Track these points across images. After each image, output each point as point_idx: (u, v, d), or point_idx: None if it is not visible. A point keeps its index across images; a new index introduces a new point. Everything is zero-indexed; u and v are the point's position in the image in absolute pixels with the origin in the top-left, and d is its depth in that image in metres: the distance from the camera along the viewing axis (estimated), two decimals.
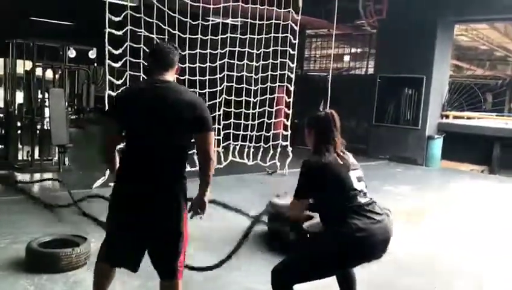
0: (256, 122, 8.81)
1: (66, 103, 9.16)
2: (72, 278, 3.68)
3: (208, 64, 8.10)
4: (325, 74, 12.40)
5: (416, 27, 10.93)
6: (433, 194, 8.26)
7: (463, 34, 14.72)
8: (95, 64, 10.06)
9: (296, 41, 8.92)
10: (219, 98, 8.35)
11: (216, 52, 8.13)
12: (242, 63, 8.62)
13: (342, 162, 2.76)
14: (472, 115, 12.65)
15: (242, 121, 8.66)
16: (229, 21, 8.20)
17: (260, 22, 8.49)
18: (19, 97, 9.08)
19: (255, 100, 8.77)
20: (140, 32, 7.06)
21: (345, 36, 14.56)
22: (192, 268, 3.83)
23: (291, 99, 9.15)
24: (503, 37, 15.30)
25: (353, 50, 16.05)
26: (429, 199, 7.76)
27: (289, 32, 8.79)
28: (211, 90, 8.24)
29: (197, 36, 7.80)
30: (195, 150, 2.75)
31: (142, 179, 2.68)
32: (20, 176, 7.52)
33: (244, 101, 8.68)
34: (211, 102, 8.28)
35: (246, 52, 8.55)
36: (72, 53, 8.87)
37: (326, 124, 2.84)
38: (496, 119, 13.12)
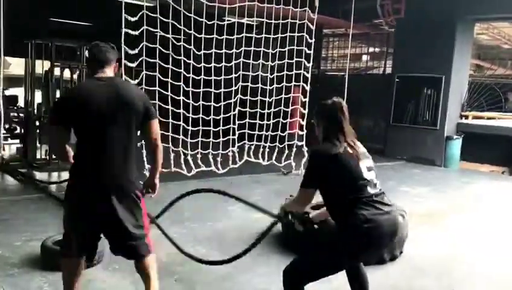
0: (271, 122, 8.77)
1: None
2: (86, 277, 3.69)
3: (223, 64, 8.10)
4: (342, 73, 12.31)
5: (435, 26, 10.77)
6: (451, 195, 8.12)
7: (484, 33, 14.46)
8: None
9: (312, 40, 8.86)
10: (234, 98, 8.33)
11: (231, 51, 8.12)
12: (257, 62, 8.60)
13: (351, 152, 2.71)
14: (492, 115, 12.40)
15: (257, 121, 8.63)
16: (245, 21, 8.19)
17: (276, 22, 8.45)
18: (38, 97, 9.21)
19: (270, 100, 8.74)
20: (156, 32, 7.09)
21: (362, 35, 14.43)
22: (200, 261, 3.82)
23: (307, 99, 9.09)
24: None
25: (371, 49, 15.91)
26: (447, 200, 7.63)
27: (305, 31, 8.74)
28: (226, 90, 8.25)
29: (212, 36, 7.80)
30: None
31: (99, 173, 2.82)
32: (39, 175, 7.63)
33: (259, 100, 8.65)
34: (226, 102, 8.28)
35: (262, 51, 8.52)
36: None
37: (334, 113, 2.81)
38: None
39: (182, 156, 7.55)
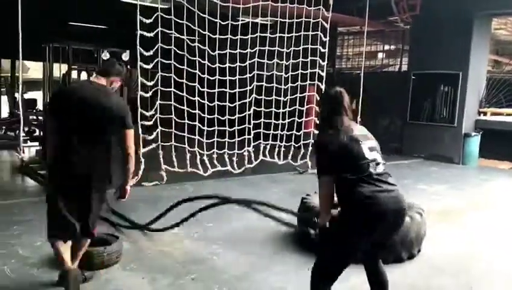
0: (286, 121, 8.76)
1: None
2: (104, 276, 3.75)
3: (237, 64, 8.12)
4: (358, 72, 12.23)
5: (451, 22, 10.64)
6: (469, 193, 8.02)
7: (502, 28, 14.21)
8: (128, 66, 10.24)
9: (327, 39, 8.83)
10: (249, 98, 8.34)
11: (246, 51, 8.14)
12: (272, 62, 8.60)
13: (351, 135, 2.84)
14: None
15: (272, 121, 8.63)
16: (259, 20, 8.20)
17: (290, 21, 8.44)
18: None
19: (285, 99, 8.74)
20: (171, 33, 7.15)
21: (377, 33, 14.32)
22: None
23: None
24: None
25: (386, 47, 15.77)
26: (465, 198, 7.54)
27: (319, 30, 8.71)
28: (241, 90, 8.27)
29: (226, 36, 7.83)
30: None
31: (72, 167, 3.28)
32: None
33: (274, 100, 8.65)
34: (241, 102, 8.30)
35: (276, 51, 8.52)
36: (105, 56, 9.04)
37: (336, 100, 2.95)
38: None
39: (198, 156, 7.60)
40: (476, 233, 5.58)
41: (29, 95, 16.64)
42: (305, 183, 7.91)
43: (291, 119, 8.83)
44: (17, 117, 7.90)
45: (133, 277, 3.80)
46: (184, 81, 7.55)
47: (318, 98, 9.00)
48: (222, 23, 7.69)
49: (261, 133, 8.54)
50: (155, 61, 7.09)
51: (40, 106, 12.86)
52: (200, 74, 7.69)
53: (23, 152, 8.28)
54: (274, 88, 8.65)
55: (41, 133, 8.82)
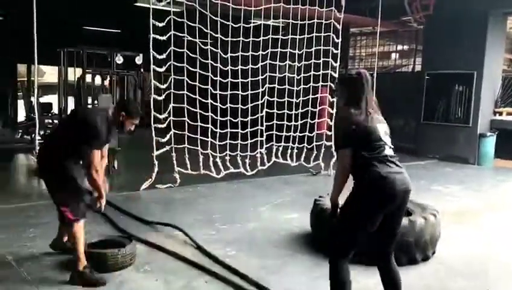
0: (299, 122, 8.74)
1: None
2: (119, 278, 3.78)
3: (249, 66, 8.13)
4: (371, 72, 12.17)
5: (465, 21, 10.53)
6: (485, 193, 7.92)
7: None
8: (142, 70, 10.36)
9: (339, 40, 8.80)
10: (261, 100, 8.35)
11: (258, 53, 8.15)
12: (284, 63, 8.59)
13: (372, 116, 2.98)
14: None
15: (285, 122, 8.62)
16: (271, 22, 8.20)
17: (302, 22, 8.44)
18: (72, 103, 9.47)
19: (297, 101, 8.73)
20: (184, 37, 7.19)
21: (390, 33, 14.24)
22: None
23: (335, 99, 9.02)
24: None
25: (399, 47, 15.67)
26: (481, 198, 7.45)
27: (332, 31, 8.69)
28: (253, 92, 8.28)
29: (238, 39, 7.85)
30: None
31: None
32: None
33: (286, 102, 8.64)
34: (253, 104, 8.31)
35: (288, 52, 8.52)
36: (119, 59, 9.15)
37: (360, 83, 3.04)
38: None
39: (211, 159, 7.62)
40: (492, 234, 5.51)
41: (45, 99, 16.85)
42: (318, 185, 7.91)
43: (304, 120, 8.81)
44: (33, 121, 8.01)
45: (146, 279, 3.83)
46: (197, 84, 7.59)
47: (331, 99, 8.99)
48: (234, 25, 7.72)
49: (274, 135, 8.53)
50: (168, 64, 7.14)
51: (55, 109, 13.04)
52: (212, 76, 7.72)
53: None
54: (286, 90, 8.64)
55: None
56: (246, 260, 4.32)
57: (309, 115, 8.86)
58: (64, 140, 3.80)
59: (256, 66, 8.20)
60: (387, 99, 11.33)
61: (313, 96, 8.91)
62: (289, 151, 8.68)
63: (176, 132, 7.26)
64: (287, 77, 8.70)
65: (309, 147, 8.83)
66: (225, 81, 7.95)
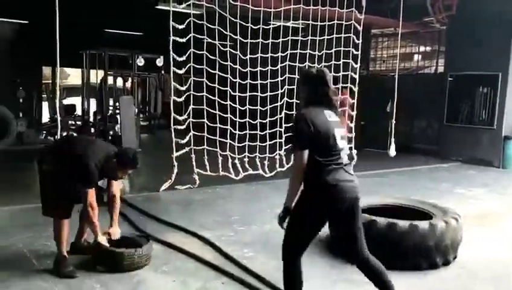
0: None
1: (136, 110, 9.58)
2: (136, 278, 3.81)
3: (269, 67, 8.12)
4: (392, 74, 12.03)
5: (489, 21, 10.30)
6: (509, 197, 7.72)
7: None
8: (162, 72, 10.47)
9: (360, 41, 8.72)
10: (280, 101, 8.33)
11: (277, 55, 8.13)
12: (304, 65, 8.55)
13: (329, 119, 2.91)
14: None
15: None
16: (290, 24, 8.18)
17: (322, 23, 8.38)
18: (94, 105, 9.61)
19: None
20: (203, 38, 7.22)
21: (412, 34, 14.05)
22: None
23: (355, 101, 8.95)
24: None
25: (422, 48, 15.46)
26: (505, 202, 7.26)
27: (352, 32, 8.62)
28: (272, 93, 8.26)
29: (258, 40, 7.85)
30: None
31: None
32: None
33: None
34: (272, 105, 8.29)
35: (308, 54, 8.48)
36: (140, 61, 9.26)
37: (318, 81, 2.95)
38: None
39: (230, 160, 7.63)
40: None
41: (69, 101, 17.17)
42: None
43: None
44: (56, 122, 8.17)
45: (164, 280, 3.84)
46: (216, 85, 7.61)
47: (351, 101, 8.91)
48: (253, 27, 7.72)
49: None
50: (187, 66, 7.18)
51: (79, 111, 13.26)
52: (231, 78, 7.73)
53: None
54: None
55: None
56: (264, 262, 4.30)
57: None
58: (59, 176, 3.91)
59: (276, 68, 8.18)
60: (410, 101, 11.33)
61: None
62: None
63: (195, 133, 7.29)
64: None
65: None
66: (244, 82, 7.96)
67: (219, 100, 7.65)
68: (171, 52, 6.91)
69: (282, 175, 8.12)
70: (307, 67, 8.06)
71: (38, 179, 4.07)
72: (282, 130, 8.35)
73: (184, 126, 7.22)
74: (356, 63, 8.81)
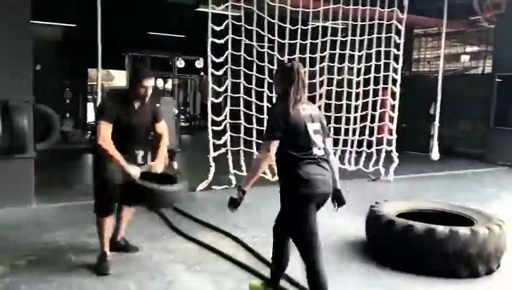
0: (358, 126, 8.52)
1: (177, 111, 9.71)
2: (169, 277, 3.84)
3: (307, 68, 8.03)
4: (436, 75, 11.67)
5: None
6: None
7: None
8: (202, 73, 10.56)
9: (401, 41, 8.51)
10: (318, 102, 8.24)
11: (315, 55, 8.05)
12: (343, 65, 8.42)
13: (303, 113, 2.97)
14: None
15: (342, 125, 8.44)
16: (329, 24, 8.08)
17: (362, 23, 8.24)
18: None
19: (356, 103, 8.52)
20: (241, 39, 7.24)
21: (458, 34, 13.57)
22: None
23: (396, 102, 8.74)
24: None
25: (468, 49, 14.91)
26: None
27: (393, 32, 8.42)
28: (310, 94, 8.15)
29: (296, 41, 7.79)
30: None
31: None
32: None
33: (345, 104, 8.45)
34: None
35: (347, 54, 8.34)
36: (180, 63, 9.39)
37: (292, 76, 3.02)
38: None
39: None
40: None
41: None
42: (377, 191, 7.69)
43: (363, 124, 8.58)
44: None
45: (196, 279, 3.86)
46: (253, 86, 7.62)
47: (392, 102, 8.70)
48: (292, 27, 7.67)
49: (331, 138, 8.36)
50: (225, 67, 7.22)
51: None
52: (269, 79, 7.71)
53: None
54: (345, 92, 8.45)
55: None
56: (297, 265, 4.22)
57: (369, 118, 8.61)
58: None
59: (314, 69, 8.10)
60: (455, 103, 10.95)
61: (373, 99, 8.65)
62: (347, 155, 8.48)
63: (232, 134, 7.32)
64: (345, 79, 8.51)
65: (368, 151, 8.58)
66: None
67: (256, 101, 7.65)
68: (209, 54, 6.97)
69: None
70: (325, 65, 8.05)
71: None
72: None
73: (221, 127, 7.27)
74: (397, 64, 8.60)
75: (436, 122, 9.19)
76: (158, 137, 4.19)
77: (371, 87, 8.58)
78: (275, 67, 7.71)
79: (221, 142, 7.23)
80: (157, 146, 4.14)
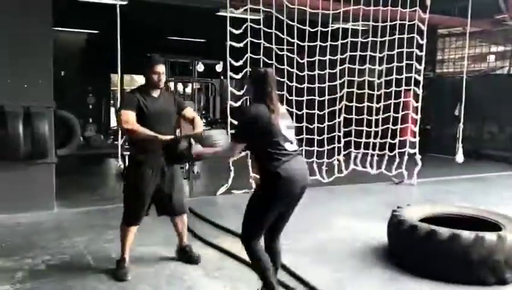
0: (379, 128, 8.37)
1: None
2: (188, 283, 3.81)
3: (327, 70, 7.95)
4: (461, 75, 11.43)
5: None
6: None
7: None
8: (222, 77, 10.56)
9: (424, 41, 8.33)
10: (339, 105, 8.13)
11: (336, 57, 7.94)
12: (364, 67, 8.29)
13: (274, 112, 3.14)
14: None
15: (364, 128, 8.30)
16: (350, 26, 7.97)
17: (383, 24, 8.09)
18: None
19: (378, 106, 8.37)
20: (260, 43, 7.19)
21: (483, 33, 13.25)
22: None
23: (419, 104, 8.56)
24: None
25: (493, 48, 14.54)
26: None
27: (416, 32, 8.25)
28: (331, 97, 8.07)
29: (316, 43, 7.71)
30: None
31: None
32: None
33: (366, 106, 8.31)
34: (330, 109, 8.09)
35: (368, 56, 8.21)
36: (200, 67, 9.41)
37: (263, 80, 3.23)
38: None
39: None
40: None
41: None
42: (399, 195, 7.53)
43: (386, 126, 8.42)
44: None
45: (215, 285, 3.82)
46: None
47: (415, 104, 8.53)
48: (311, 30, 7.59)
49: (352, 141, 8.24)
50: (244, 71, 7.18)
51: None
52: (288, 82, 7.65)
53: (124, 160, 8.77)
54: (366, 94, 8.32)
55: None
56: (318, 272, 4.17)
57: (391, 121, 8.44)
58: None
59: (334, 71, 7.99)
60: (480, 104, 10.67)
61: (396, 101, 8.49)
62: (369, 158, 8.34)
63: None
64: (366, 81, 8.37)
65: (391, 154, 8.41)
66: (301, 86, 7.84)
67: None
68: (228, 57, 6.95)
69: (340, 181, 7.93)
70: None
71: None
72: (341, 134, 8.13)
73: None
74: (420, 65, 8.42)
75: (461, 124, 8.96)
76: (191, 121, 4.17)
77: (393, 89, 8.42)
78: (295, 70, 7.67)
79: None
80: (193, 128, 4.10)
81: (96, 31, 13.79)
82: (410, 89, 8.55)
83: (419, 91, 8.50)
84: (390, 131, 8.41)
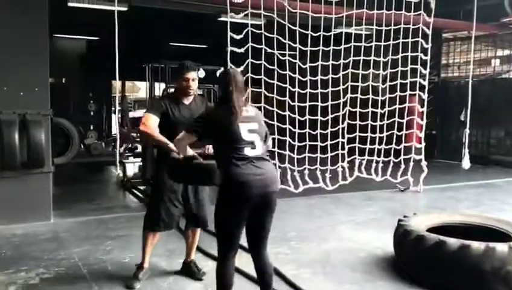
0: (384, 134, 8.20)
1: None
2: None
3: (330, 76, 7.80)
4: (467, 80, 11.27)
5: None
6: None
7: None
8: None
9: (429, 46, 8.18)
10: (343, 111, 7.97)
11: (339, 62, 7.80)
12: (367, 72, 8.14)
13: (236, 115, 2.99)
14: None
15: (368, 134, 8.14)
16: (353, 30, 7.83)
17: (387, 28, 7.95)
18: None
19: (382, 111, 8.20)
20: (261, 48, 7.07)
21: (489, 37, 13.09)
22: None
23: (424, 109, 8.40)
24: None
25: (500, 52, 14.36)
26: None
27: (420, 36, 8.10)
28: (334, 102, 7.91)
29: (318, 48, 7.57)
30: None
31: None
32: None
33: (370, 112, 8.15)
34: (334, 115, 7.94)
35: (372, 60, 8.07)
36: (201, 73, 9.26)
37: (228, 81, 3.10)
38: None
39: (289, 172, 7.37)
40: None
41: (139, 113, 17.75)
42: (405, 202, 7.38)
43: (390, 132, 8.25)
44: (121, 134, 8.36)
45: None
46: (274, 95, 7.43)
47: (420, 109, 8.38)
48: (314, 34, 7.45)
49: (356, 148, 8.08)
50: (245, 76, 7.04)
51: None
52: (290, 87, 7.51)
53: (124, 168, 8.69)
54: (370, 99, 8.16)
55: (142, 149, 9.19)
56: (321, 284, 4.02)
57: (396, 126, 8.28)
58: None
59: (337, 76, 7.85)
60: (486, 109, 10.51)
61: (400, 106, 8.32)
62: (374, 165, 8.17)
63: None
64: (370, 86, 8.22)
65: (396, 160, 8.23)
66: (303, 92, 7.70)
67: (277, 110, 7.45)
68: (229, 63, 6.82)
69: (344, 188, 7.75)
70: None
71: None
72: (345, 140, 7.97)
73: None
74: (425, 69, 8.27)
75: (467, 129, 8.79)
76: None
77: (398, 94, 8.26)
78: (297, 75, 7.53)
79: None
80: None
81: (96, 38, 13.73)
82: (415, 94, 8.39)
83: (425, 96, 8.35)
84: (395, 137, 8.24)
